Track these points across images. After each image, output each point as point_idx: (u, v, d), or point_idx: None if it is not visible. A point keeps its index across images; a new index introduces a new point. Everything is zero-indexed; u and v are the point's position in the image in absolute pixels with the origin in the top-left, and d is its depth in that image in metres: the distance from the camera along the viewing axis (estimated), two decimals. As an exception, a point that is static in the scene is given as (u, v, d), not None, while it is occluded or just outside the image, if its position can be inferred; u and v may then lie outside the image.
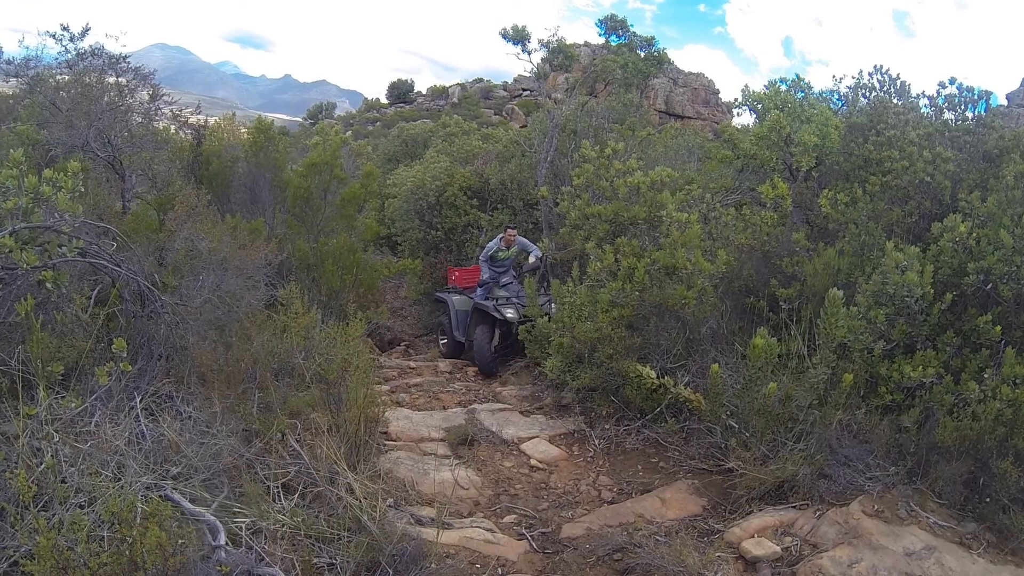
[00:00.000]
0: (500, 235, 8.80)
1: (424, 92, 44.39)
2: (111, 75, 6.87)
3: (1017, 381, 4.05)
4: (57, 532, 2.17)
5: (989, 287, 4.67)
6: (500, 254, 8.63)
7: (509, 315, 7.68)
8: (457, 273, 9.56)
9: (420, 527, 3.47)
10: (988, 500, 4.01)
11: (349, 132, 30.40)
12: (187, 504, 2.89)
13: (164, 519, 2.32)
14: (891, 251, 4.51)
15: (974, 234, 4.81)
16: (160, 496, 2.75)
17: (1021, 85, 27.25)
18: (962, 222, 4.85)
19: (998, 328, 4.35)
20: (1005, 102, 26.40)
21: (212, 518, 2.84)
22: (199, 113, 8.56)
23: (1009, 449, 3.98)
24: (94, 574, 2.11)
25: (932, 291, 4.49)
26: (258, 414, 3.93)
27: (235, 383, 4.12)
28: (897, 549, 3.54)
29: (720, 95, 30.65)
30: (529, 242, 8.75)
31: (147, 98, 7.19)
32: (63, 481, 2.63)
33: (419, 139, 16.87)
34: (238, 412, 3.86)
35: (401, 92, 44.29)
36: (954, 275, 4.76)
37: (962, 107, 6.72)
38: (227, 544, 2.72)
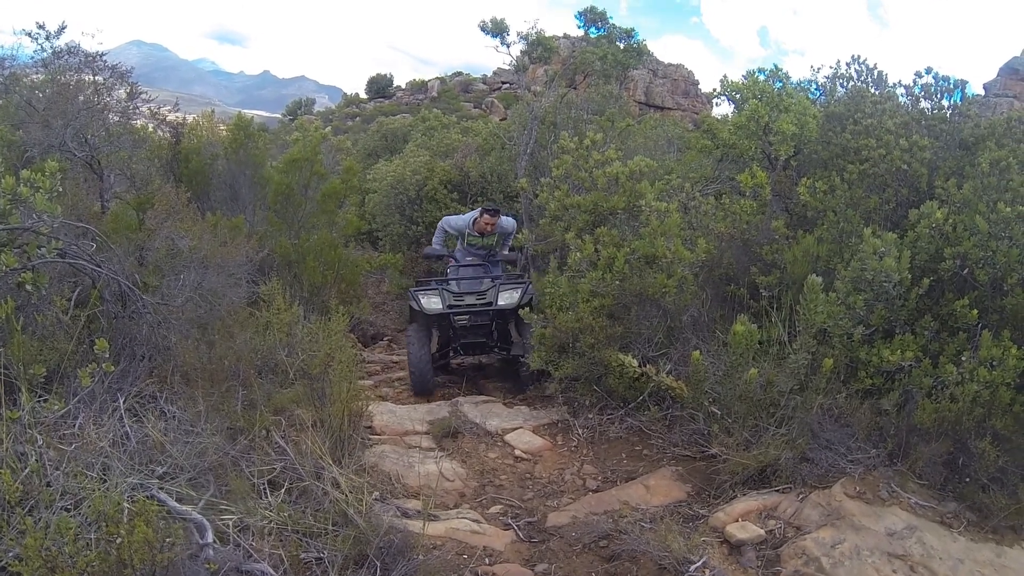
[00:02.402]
0: (472, 213, 7.28)
1: (403, 86, 44.28)
2: (88, 73, 6.79)
3: (994, 363, 4.11)
4: (44, 535, 2.16)
5: (966, 272, 4.73)
6: (470, 239, 7.22)
7: (434, 305, 6.26)
8: None
9: (407, 519, 3.48)
10: (968, 480, 4.08)
11: (329, 128, 30.23)
12: (173, 503, 2.88)
13: (151, 517, 2.31)
14: (869, 238, 4.57)
15: (950, 220, 4.87)
16: (146, 496, 2.74)
17: (998, 75, 27.67)
18: (938, 209, 4.91)
19: (975, 312, 4.41)
20: (983, 92, 26.78)
21: (199, 516, 2.82)
22: (177, 111, 8.48)
23: (987, 429, 4.05)
24: (82, 573, 2.10)
25: (909, 276, 4.55)
26: (242, 411, 3.91)
27: (219, 381, 4.10)
28: (879, 529, 3.60)
29: (699, 86, 30.81)
30: (512, 225, 7.39)
31: (124, 96, 7.11)
32: (48, 484, 2.61)
33: (399, 133, 16.82)
34: (222, 410, 3.84)
35: (380, 87, 44.17)
36: (931, 261, 4.82)
37: (938, 96, 6.77)
38: (215, 542, 2.71)
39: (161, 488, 2.97)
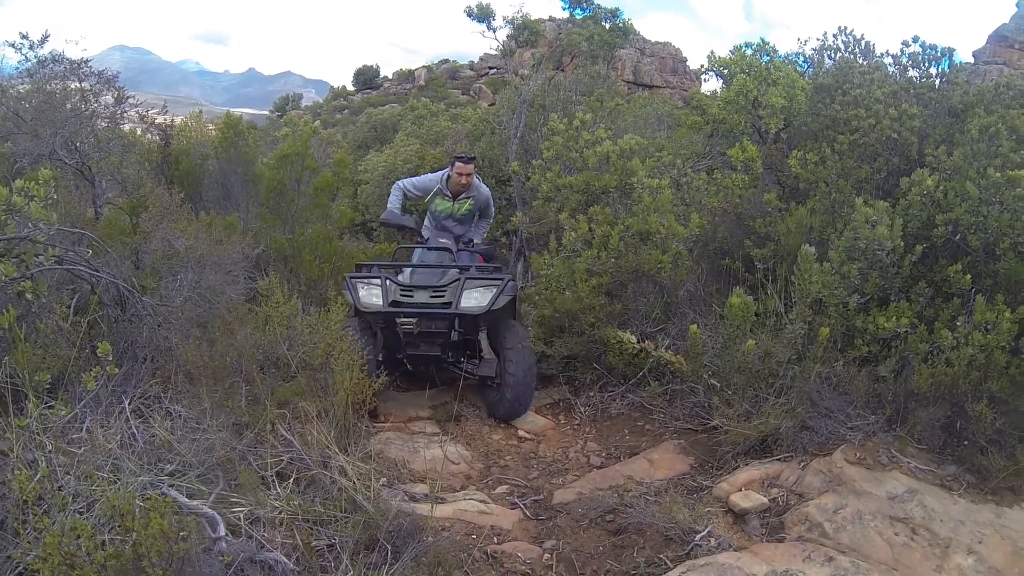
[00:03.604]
0: (444, 169, 6.07)
1: (390, 77, 44.08)
2: (74, 80, 6.77)
3: (988, 327, 4.15)
4: (61, 533, 2.19)
5: (958, 238, 4.77)
6: (439, 205, 6.03)
7: (372, 300, 4.89)
8: None
9: (414, 503, 3.52)
10: (966, 443, 4.13)
11: (317, 122, 30.14)
12: (184, 500, 2.91)
13: (165, 510, 2.34)
14: (861, 207, 4.60)
15: (941, 187, 4.90)
16: (158, 494, 2.77)
17: (987, 42, 27.71)
18: (929, 176, 4.94)
19: (968, 277, 4.45)
20: (972, 60, 26.84)
21: (211, 511, 2.85)
22: (166, 113, 8.46)
23: (983, 392, 4.09)
24: (101, 567, 2.13)
25: (902, 244, 4.58)
26: (247, 406, 3.94)
27: (221, 378, 4.13)
28: (880, 493, 3.65)
29: (688, 63, 30.69)
30: (489, 196, 6.31)
31: (112, 101, 7.09)
32: (60, 488, 2.64)
33: (388, 124, 16.82)
34: (227, 406, 3.87)
35: (367, 78, 43.96)
36: (923, 228, 4.86)
37: (926, 64, 6.80)
38: (227, 535, 2.75)
39: (171, 485, 3.00)
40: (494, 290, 4.94)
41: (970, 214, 4.64)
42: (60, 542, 2.06)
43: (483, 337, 5.35)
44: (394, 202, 5.98)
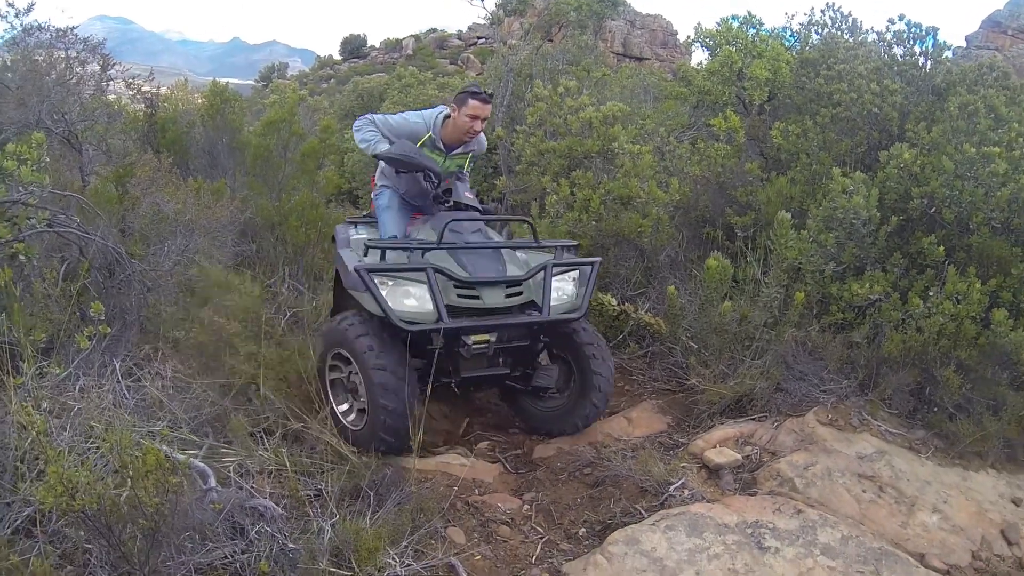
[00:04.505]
0: (441, 107, 4.29)
1: (378, 46, 43.57)
2: (60, 49, 6.69)
3: (959, 298, 4.29)
4: (64, 463, 2.24)
5: (933, 211, 4.88)
6: (434, 155, 4.16)
7: (420, 310, 3.45)
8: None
9: (398, 456, 3.60)
10: (935, 409, 4.27)
11: (304, 91, 29.85)
12: (177, 455, 2.97)
13: (160, 457, 2.39)
14: (838, 177, 4.70)
15: (919, 161, 5.01)
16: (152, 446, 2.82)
17: (980, 27, 27.92)
18: (908, 150, 5.05)
19: (941, 249, 4.57)
20: (964, 44, 27.02)
21: (202, 464, 2.92)
22: (152, 80, 8.39)
23: (952, 359, 4.24)
24: (101, 499, 2.18)
25: (878, 215, 4.69)
26: (232, 368, 3.99)
27: (208, 340, 4.19)
28: (850, 453, 3.78)
29: (678, 35, 30.53)
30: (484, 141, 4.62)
31: (98, 69, 7.02)
32: (55, 447, 2.69)
33: (375, 92, 16.71)
34: (213, 367, 3.93)
35: (354, 47, 43.46)
36: (900, 200, 4.97)
37: (910, 42, 6.87)
38: (217, 486, 2.81)
39: (163, 440, 3.06)
40: (579, 278, 3.91)
41: (945, 188, 4.76)
42: (62, 473, 2.11)
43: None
44: (377, 136, 4.12)
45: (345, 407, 3.75)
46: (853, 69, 5.96)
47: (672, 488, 3.31)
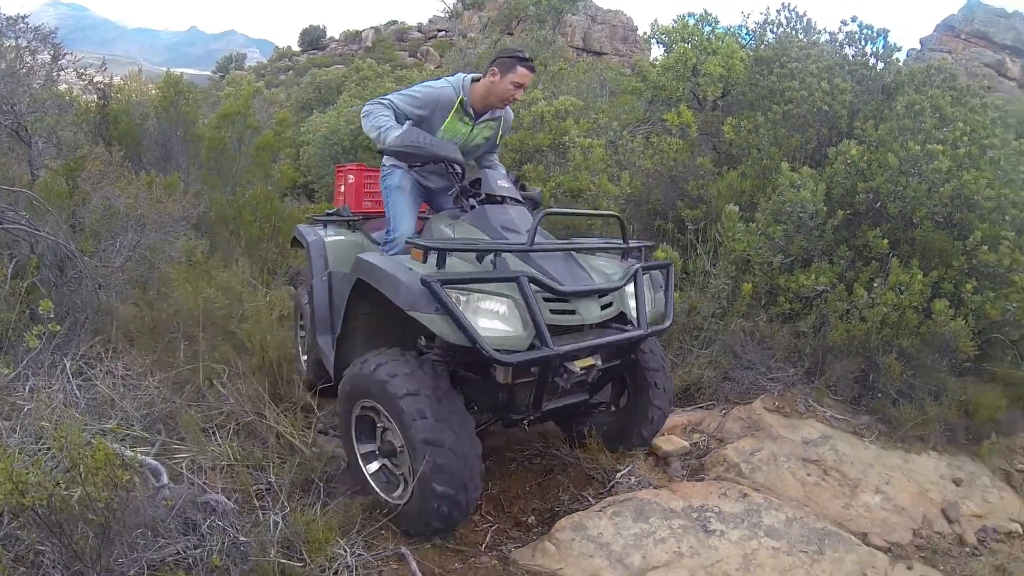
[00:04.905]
0: (460, 75, 3.72)
1: (337, 37, 43.03)
2: (10, 37, 6.52)
3: (902, 288, 4.44)
4: (12, 460, 2.21)
5: (878, 205, 5.04)
6: (451, 128, 3.64)
7: (515, 333, 2.65)
8: (352, 177, 4.68)
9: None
10: (879, 395, 4.42)
11: (261, 82, 29.37)
12: (128, 452, 2.95)
13: (110, 453, 2.38)
14: (786, 171, 4.82)
15: (865, 158, 5.16)
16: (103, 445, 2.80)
17: (935, 31, 28.69)
18: (855, 147, 5.20)
19: (886, 242, 4.73)
20: (919, 46, 27.72)
21: (154, 462, 2.89)
22: (104, 70, 8.21)
23: (894, 348, 4.39)
24: (51, 496, 2.16)
25: (825, 209, 4.82)
26: (185, 363, 3.97)
27: (161, 337, 4.15)
28: (796, 438, 3.89)
29: (639, 31, 30.69)
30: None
31: (49, 59, 6.84)
32: (4, 449, 2.66)
33: (332, 85, 16.53)
34: (166, 363, 3.90)
35: (313, 38, 42.86)
36: (847, 195, 5.11)
37: (862, 43, 7.04)
38: (169, 483, 2.80)
39: (115, 439, 3.03)
40: (652, 283, 3.39)
41: (890, 184, 4.92)
42: (12, 471, 2.09)
43: None
44: (391, 120, 3.45)
45: (375, 467, 3.01)
46: (805, 68, 6.10)
47: (619, 475, 3.36)
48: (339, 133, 10.29)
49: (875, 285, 4.57)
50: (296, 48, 43.68)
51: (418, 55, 34.77)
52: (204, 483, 2.93)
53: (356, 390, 2.89)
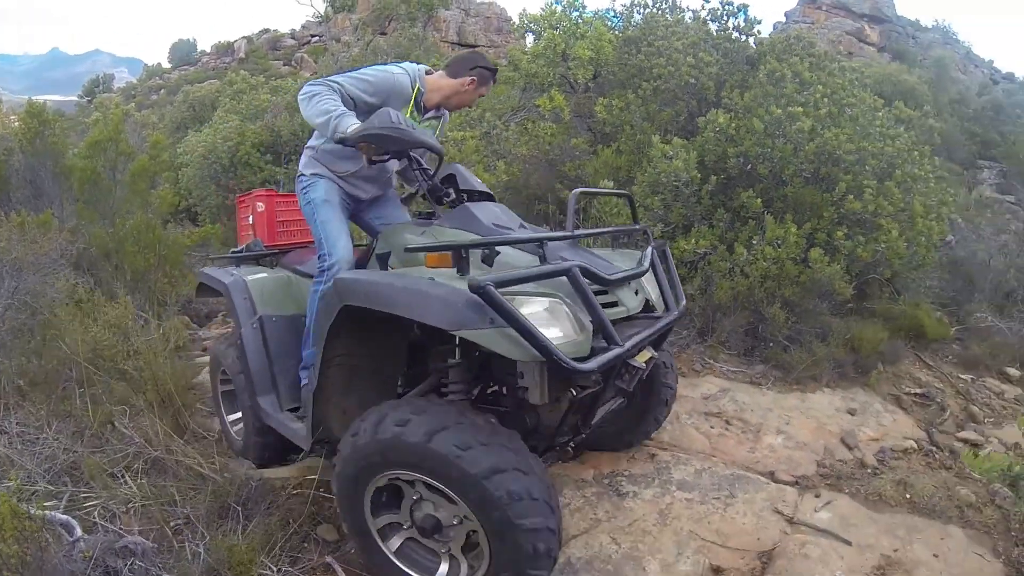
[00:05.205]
0: (414, 66, 3.25)
1: (209, 50, 41.50)
2: None
3: (779, 242, 4.73)
4: None
5: (749, 168, 5.34)
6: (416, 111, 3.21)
7: (576, 336, 2.11)
8: (263, 205, 4.02)
9: (262, 470, 3.57)
10: (770, 344, 4.71)
11: (132, 104, 28.07)
12: (35, 511, 2.86)
13: (19, 513, 2.31)
14: (658, 144, 5.03)
15: (733, 124, 5.45)
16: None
17: (798, 3, 30.27)
18: (723, 115, 5.48)
19: (760, 201, 5.03)
20: (784, 19, 29.15)
21: (64, 516, 2.82)
22: (-44, 105, 7.71)
23: (778, 298, 4.67)
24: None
25: (699, 175, 5.06)
26: (82, 409, 3.84)
27: (54, 385, 3.99)
28: (696, 396, 4.10)
29: (513, 21, 30.92)
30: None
31: None
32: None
33: (207, 101, 15.99)
34: (62, 412, 3.76)
35: (184, 53, 41.17)
36: (719, 161, 5.39)
37: (725, 18, 7.38)
38: (83, 536, 2.73)
39: (20, 500, 2.92)
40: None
41: (758, 146, 5.22)
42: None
43: None
44: (341, 105, 2.93)
45: (398, 542, 2.43)
46: (671, 45, 6.35)
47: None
48: (217, 151, 9.97)
49: (754, 242, 4.85)
50: (167, 65, 41.89)
51: (293, 63, 33.97)
52: (119, 528, 2.87)
53: (383, 462, 2.22)
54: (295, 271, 3.62)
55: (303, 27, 39.12)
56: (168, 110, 20.53)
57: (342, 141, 2.85)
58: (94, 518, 2.90)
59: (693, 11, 7.58)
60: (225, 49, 40.20)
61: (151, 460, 3.41)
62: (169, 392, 3.98)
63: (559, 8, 8.27)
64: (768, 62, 6.13)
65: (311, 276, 3.34)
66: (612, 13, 8.78)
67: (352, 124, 2.80)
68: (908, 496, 3.39)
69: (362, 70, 3.12)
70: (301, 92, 3.02)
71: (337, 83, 3.00)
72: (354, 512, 2.41)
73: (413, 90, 3.14)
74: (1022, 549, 2.98)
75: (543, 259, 2.30)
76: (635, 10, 8.25)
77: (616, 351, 2.16)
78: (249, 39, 40.22)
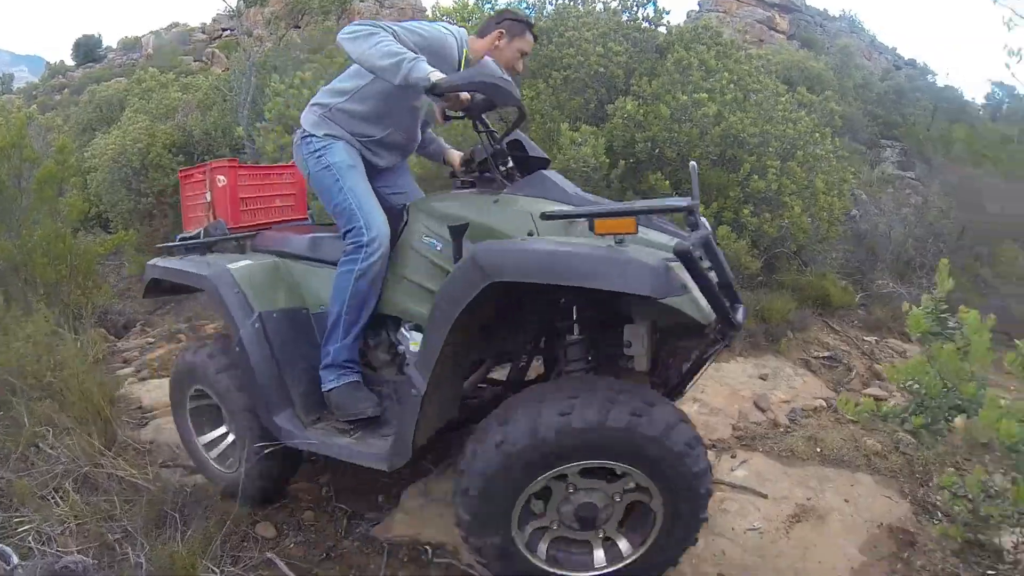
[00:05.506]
0: (456, 30, 2.94)
1: (115, 46, 39.81)
2: None
3: (687, 222, 4.99)
4: None
5: (656, 152, 5.58)
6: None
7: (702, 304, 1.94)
8: (224, 178, 3.41)
9: (195, 476, 3.60)
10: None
11: (34, 105, 26.82)
12: None
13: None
14: (566, 131, 5.22)
15: (641, 111, 5.68)
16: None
17: None
18: (631, 102, 5.70)
19: (668, 183, 5.28)
20: (697, 7, 30.08)
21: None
22: None
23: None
24: None
25: (608, 160, 5.26)
26: (3, 433, 3.79)
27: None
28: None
29: (427, 13, 30.72)
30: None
31: None
32: None
33: (114, 101, 15.38)
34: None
35: (88, 49, 39.31)
36: (627, 146, 5.61)
37: (635, 9, 7.57)
38: (21, 563, 2.74)
39: None
40: None
41: (665, 131, 5.46)
42: None
43: None
44: (405, 51, 2.53)
45: (545, 546, 2.28)
46: (581, 35, 6.52)
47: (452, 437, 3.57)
48: (127, 154, 9.63)
49: (664, 223, 5.09)
50: (70, 62, 39.99)
51: (204, 58, 32.98)
52: (57, 550, 2.89)
53: (543, 463, 2.07)
54: (286, 254, 3.11)
55: (214, 20, 37.91)
56: (73, 111, 19.67)
57: (431, 89, 2.44)
58: (29, 543, 2.89)
59: (604, 2, 7.77)
60: (132, 45, 38.66)
61: (81, 477, 3.41)
62: (97, 406, 3.97)
63: (471, 1, 8.33)
64: (676, 51, 6.38)
65: (310, 259, 3.02)
66: (525, 5, 8.90)
67: (431, 71, 2.45)
68: (819, 450, 3.68)
69: (410, 23, 2.83)
70: (347, 31, 2.64)
71: (389, 26, 2.65)
72: (498, 533, 2.17)
73: (460, 55, 2.89)
74: (927, 489, 3.28)
75: (695, 226, 2.11)
76: (547, 1, 8.39)
77: (742, 307, 2.18)
78: (157, 34, 38.77)
